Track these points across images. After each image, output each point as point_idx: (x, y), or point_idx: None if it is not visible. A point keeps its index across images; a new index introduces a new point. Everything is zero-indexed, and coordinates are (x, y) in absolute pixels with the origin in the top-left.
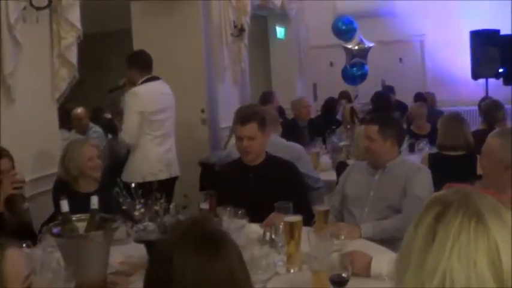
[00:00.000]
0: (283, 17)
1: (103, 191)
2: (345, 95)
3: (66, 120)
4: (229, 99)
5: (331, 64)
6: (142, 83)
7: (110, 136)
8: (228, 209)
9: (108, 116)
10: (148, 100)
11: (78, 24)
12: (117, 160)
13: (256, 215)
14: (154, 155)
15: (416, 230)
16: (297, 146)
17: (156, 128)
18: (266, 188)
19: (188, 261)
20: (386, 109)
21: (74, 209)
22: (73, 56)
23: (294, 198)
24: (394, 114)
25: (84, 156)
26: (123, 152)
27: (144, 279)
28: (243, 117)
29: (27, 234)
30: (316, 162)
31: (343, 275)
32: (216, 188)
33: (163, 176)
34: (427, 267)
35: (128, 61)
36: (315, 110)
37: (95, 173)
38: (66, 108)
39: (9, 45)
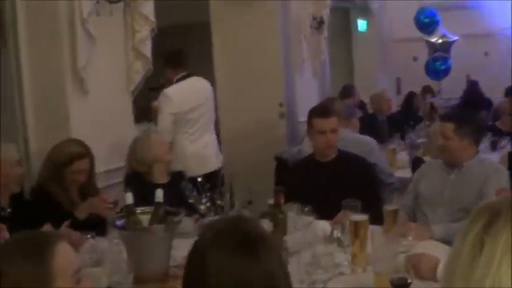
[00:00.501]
0: (365, 10)
1: (174, 183)
2: (427, 90)
3: (146, 112)
4: (308, 93)
5: (415, 58)
6: (177, 81)
7: None
8: (296, 205)
9: None
10: (179, 101)
11: (152, 17)
12: None
13: (328, 212)
14: (189, 152)
15: (464, 239)
16: (367, 139)
17: (190, 125)
18: (338, 185)
19: (222, 262)
20: (475, 106)
21: (145, 200)
22: (147, 49)
23: (366, 195)
24: (481, 112)
25: (154, 142)
26: None
27: (183, 277)
28: (325, 110)
29: (99, 225)
30: (392, 159)
31: (406, 278)
32: (287, 184)
33: (200, 171)
34: (475, 277)
35: (163, 61)
36: (398, 104)
37: (167, 156)
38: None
39: (82, 39)
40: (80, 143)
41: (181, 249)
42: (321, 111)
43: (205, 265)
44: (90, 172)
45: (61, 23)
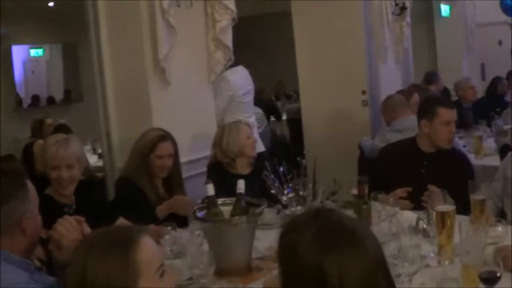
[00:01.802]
0: None
1: (258, 173)
2: None
3: None
4: (392, 80)
5: (500, 42)
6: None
7: (272, 118)
8: (380, 195)
9: (272, 97)
10: (236, 84)
11: (233, 7)
12: (278, 142)
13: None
14: None
15: None
16: None
17: (243, 109)
18: (438, 177)
19: (341, 263)
20: None
21: (228, 191)
22: (228, 39)
23: (461, 188)
24: None
25: (243, 135)
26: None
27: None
28: (450, 100)
29: (182, 216)
30: (478, 146)
31: (495, 272)
32: (372, 172)
33: None
34: None
35: None
36: (482, 90)
37: (253, 151)
38: None
39: (163, 30)
40: (161, 129)
41: (264, 240)
42: (446, 101)
43: (322, 272)
44: (175, 161)
45: (142, 14)
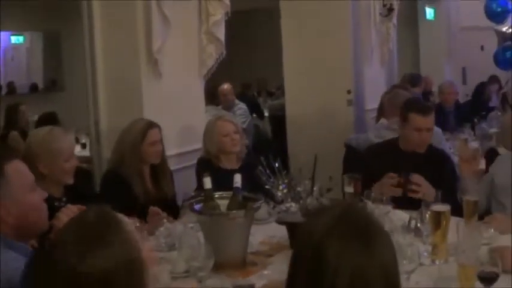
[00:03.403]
0: None
1: (247, 168)
2: (494, 80)
3: (213, 96)
4: (376, 81)
5: (482, 48)
6: None
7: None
8: (373, 193)
9: (254, 93)
10: None
11: (227, 1)
12: (262, 138)
13: (406, 203)
14: None
15: None
16: (435, 129)
17: None
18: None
19: (343, 255)
20: None
21: (216, 185)
22: (221, 33)
23: (445, 188)
24: None
25: (219, 132)
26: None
27: (289, 268)
28: (426, 107)
29: (170, 208)
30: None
31: (494, 271)
32: (360, 170)
33: None
34: None
35: None
36: (463, 94)
37: (233, 148)
38: (214, 84)
39: (157, 21)
40: (145, 119)
41: (257, 235)
42: (421, 107)
43: (321, 255)
44: (162, 149)
45: (136, 5)
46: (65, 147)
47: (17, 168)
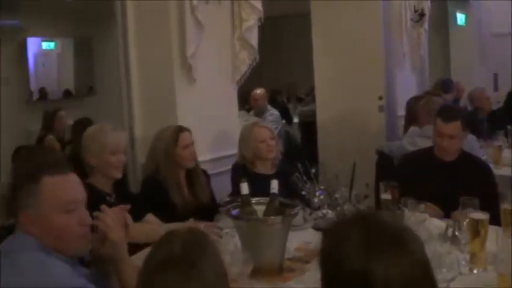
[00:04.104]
0: (464, 2)
1: (281, 174)
2: None
3: (245, 101)
4: (407, 87)
5: None
6: None
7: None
8: (410, 201)
9: (283, 99)
10: None
11: (260, 7)
12: (292, 144)
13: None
14: None
15: None
16: (469, 136)
17: None
18: (456, 186)
19: (388, 267)
20: None
21: (251, 191)
22: (254, 39)
23: (482, 196)
24: None
25: (255, 138)
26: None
27: (322, 273)
28: (449, 114)
29: (206, 213)
30: (498, 157)
31: None
32: (393, 177)
33: None
34: None
35: None
36: (495, 101)
37: (269, 154)
38: (244, 90)
39: (191, 27)
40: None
41: (293, 241)
42: (444, 114)
43: (367, 276)
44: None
45: (170, 10)
46: (111, 141)
47: (55, 183)
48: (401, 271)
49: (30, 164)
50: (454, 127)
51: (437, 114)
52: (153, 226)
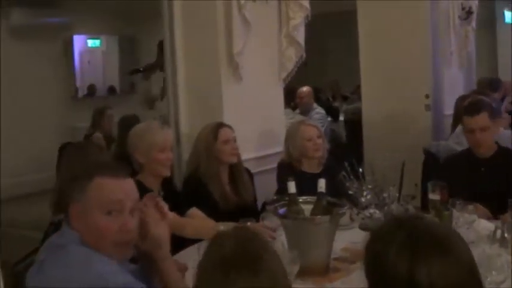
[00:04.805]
0: None
1: (328, 173)
2: None
3: (291, 99)
4: (455, 85)
5: None
6: None
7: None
8: (458, 202)
9: (329, 97)
10: None
11: (307, 5)
12: (338, 142)
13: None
14: None
15: None
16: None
17: None
18: (499, 183)
19: (432, 273)
20: None
21: (297, 189)
22: (301, 36)
23: None
24: None
25: (302, 137)
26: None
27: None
28: (473, 107)
29: (247, 212)
30: None
31: None
32: (439, 178)
33: None
34: None
35: (158, 47)
36: None
37: (316, 153)
38: (291, 87)
39: (238, 25)
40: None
41: (339, 241)
42: (468, 108)
43: (413, 281)
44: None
45: (217, 9)
46: (160, 138)
47: (105, 184)
48: (446, 275)
49: (87, 161)
50: (482, 119)
51: (463, 113)
52: (208, 222)
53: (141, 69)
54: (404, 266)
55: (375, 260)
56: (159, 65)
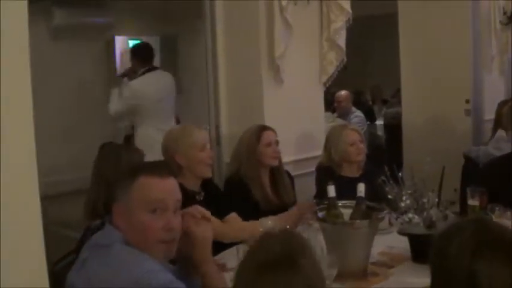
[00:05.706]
0: None
1: (367, 177)
2: None
3: (330, 102)
4: (495, 91)
5: None
6: (142, 73)
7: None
8: (497, 208)
9: (369, 101)
10: (143, 93)
11: (349, 8)
12: (377, 146)
13: None
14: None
15: None
16: None
17: (161, 116)
18: None
19: (492, 273)
20: None
21: (336, 193)
22: (342, 40)
23: None
24: None
25: (345, 141)
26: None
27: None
28: None
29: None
30: None
31: None
32: (479, 184)
33: None
34: None
35: (131, 52)
36: None
37: (358, 157)
38: (330, 91)
39: (280, 27)
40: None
41: (377, 245)
42: None
43: (473, 278)
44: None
45: (259, 10)
46: (198, 138)
47: (148, 183)
48: (506, 277)
49: (126, 162)
50: None
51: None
52: (251, 223)
53: (125, 72)
54: (465, 260)
55: (440, 250)
56: (132, 70)
